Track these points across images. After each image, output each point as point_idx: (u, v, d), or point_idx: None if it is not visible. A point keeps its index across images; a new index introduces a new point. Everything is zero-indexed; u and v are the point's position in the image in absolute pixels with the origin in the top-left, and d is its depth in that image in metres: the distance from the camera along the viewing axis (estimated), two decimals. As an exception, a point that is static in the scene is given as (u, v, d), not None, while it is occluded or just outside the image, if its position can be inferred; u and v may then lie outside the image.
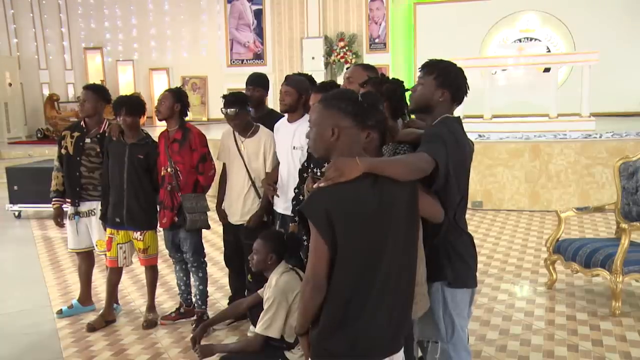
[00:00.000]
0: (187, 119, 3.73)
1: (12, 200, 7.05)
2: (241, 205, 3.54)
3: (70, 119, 10.57)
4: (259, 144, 3.50)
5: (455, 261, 2.17)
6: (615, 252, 3.73)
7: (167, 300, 4.27)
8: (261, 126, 3.58)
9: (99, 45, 12.99)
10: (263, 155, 3.50)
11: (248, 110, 3.53)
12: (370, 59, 11.14)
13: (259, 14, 11.87)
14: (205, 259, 3.78)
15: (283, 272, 2.75)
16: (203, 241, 3.78)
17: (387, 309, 1.74)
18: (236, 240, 3.63)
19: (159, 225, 3.72)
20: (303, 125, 3.30)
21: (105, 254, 3.83)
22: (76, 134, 3.79)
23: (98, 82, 12.51)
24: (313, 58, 11.06)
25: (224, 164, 3.69)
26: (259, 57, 12.00)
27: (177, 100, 3.52)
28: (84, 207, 3.83)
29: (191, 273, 3.75)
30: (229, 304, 3.86)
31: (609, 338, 3.40)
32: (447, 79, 2.17)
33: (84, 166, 3.75)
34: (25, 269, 5.22)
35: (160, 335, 3.66)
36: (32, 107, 12.81)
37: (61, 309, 4.03)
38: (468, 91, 2.23)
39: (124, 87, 12.66)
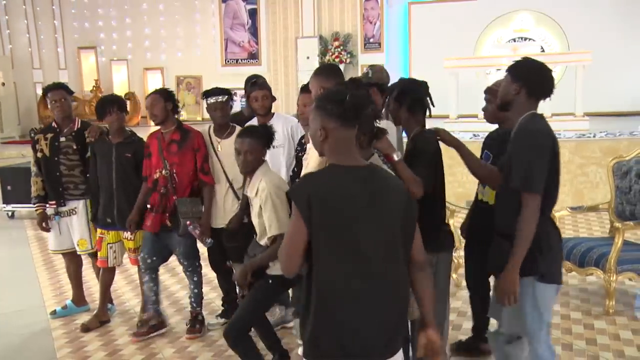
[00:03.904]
0: (182, 118, 3.71)
1: (6, 201, 7.01)
2: (221, 208, 3.50)
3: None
4: None
5: (546, 255, 2.19)
6: (609, 251, 3.75)
7: (162, 300, 4.25)
8: (237, 127, 3.53)
9: (92, 45, 12.91)
10: None
11: (231, 105, 3.51)
12: (365, 58, 11.17)
13: (253, 14, 11.85)
14: (200, 262, 3.68)
15: (266, 171, 2.77)
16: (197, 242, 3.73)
17: (379, 311, 1.72)
18: (219, 244, 3.52)
19: (143, 227, 3.53)
20: (273, 124, 3.36)
21: (89, 254, 3.84)
22: (49, 135, 3.72)
23: (92, 81, 12.50)
24: (308, 58, 11.06)
25: None
26: (253, 56, 11.98)
27: (167, 100, 3.43)
28: (66, 207, 3.78)
29: (186, 277, 3.70)
30: (222, 304, 3.85)
31: (603, 337, 3.41)
32: (521, 74, 2.23)
33: (63, 165, 3.69)
34: (18, 269, 5.20)
35: (155, 335, 3.65)
36: (26, 107, 12.72)
37: (55, 310, 4.02)
38: (552, 87, 2.25)
39: (118, 86, 12.59)
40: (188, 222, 3.38)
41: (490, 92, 3.01)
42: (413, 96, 2.58)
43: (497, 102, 2.37)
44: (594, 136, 6.90)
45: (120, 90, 12.48)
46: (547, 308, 2.23)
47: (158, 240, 3.52)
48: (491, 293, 2.80)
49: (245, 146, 2.70)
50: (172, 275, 4.85)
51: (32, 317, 4.01)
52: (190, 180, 3.47)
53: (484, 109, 3.07)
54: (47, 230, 3.86)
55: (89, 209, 3.79)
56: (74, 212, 3.78)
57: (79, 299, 4.06)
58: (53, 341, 3.61)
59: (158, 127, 3.49)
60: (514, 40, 10.58)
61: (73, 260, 3.97)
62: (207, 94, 3.45)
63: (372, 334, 1.72)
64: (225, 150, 3.46)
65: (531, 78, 2.23)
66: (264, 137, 2.77)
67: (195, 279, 3.62)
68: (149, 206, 3.48)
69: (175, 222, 3.42)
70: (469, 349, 3.22)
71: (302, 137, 3.26)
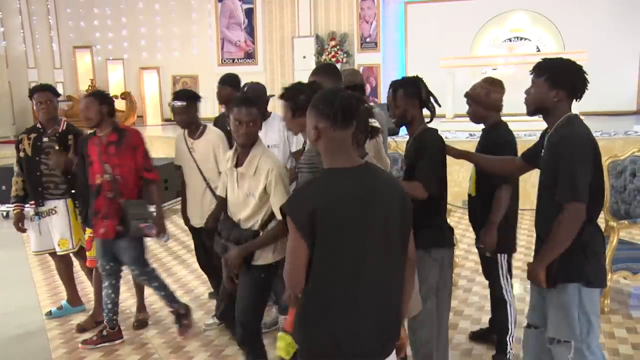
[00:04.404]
0: None
1: (1, 201, 6.97)
2: (199, 208, 3.48)
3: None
4: (208, 145, 3.45)
5: (591, 260, 2.18)
6: (604, 250, 3.76)
7: (158, 301, 4.24)
8: (209, 126, 3.53)
9: (88, 44, 12.88)
10: (214, 155, 3.43)
11: (196, 107, 3.47)
12: (362, 58, 11.19)
13: (250, 13, 11.85)
14: (152, 265, 3.53)
15: (265, 149, 2.66)
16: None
17: (377, 311, 1.72)
18: (202, 243, 3.52)
19: (95, 235, 3.43)
20: (269, 123, 3.41)
21: (75, 255, 3.83)
22: (33, 135, 3.71)
23: (87, 81, 12.46)
24: (304, 57, 11.07)
25: (181, 167, 3.62)
26: (250, 56, 11.98)
27: (102, 103, 3.31)
28: (45, 206, 3.75)
29: (145, 285, 3.58)
30: (220, 305, 3.82)
31: (598, 335, 3.43)
32: (559, 78, 2.17)
33: (44, 164, 3.66)
34: (14, 269, 5.17)
35: (151, 335, 3.64)
36: (21, 106, 12.67)
37: (50, 311, 4.00)
38: (588, 84, 2.19)
39: (114, 86, 12.55)
40: (142, 225, 3.29)
41: (468, 96, 3.07)
42: (430, 96, 2.58)
43: (529, 108, 2.28)
44: (590, 135, 6.91)
45: (116, 89, 12.45)
46: (594, 312, 2.21)
47: (107, 245, 3.41)
48: (527, 307, 2.82)
49: (247, 116, 2.53)
50: (169, 275, 4.84)
51: (28, 318, 3.99)
52: (135, 180, 3.36)
53: (467, 112, 3.12)
54: (23, 230, 3.84)
55: (70, 208, 3.76)
56: (53, 212, 3.75)
57: (74, 299, 4.05)
58: (48, 342, 3.60)
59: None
60: (510, 40, 10.61)
61: (62, 260, 3.94)
62: (173, 96, 3.45)
63: (370, 334, 1.71)
64: (199, 150, 3.45)
65: (572, 81, 2.17)
66: (258, 106, 2.69)
67: (155, 284, 3.47)
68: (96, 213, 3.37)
69: (125, 225, 3.30)
70: (483, 338, 3.38)
71: None
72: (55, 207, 3.74)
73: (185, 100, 3.40)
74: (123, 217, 3.30)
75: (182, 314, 3.54)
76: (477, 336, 3.42)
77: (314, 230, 1.64)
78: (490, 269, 3.14)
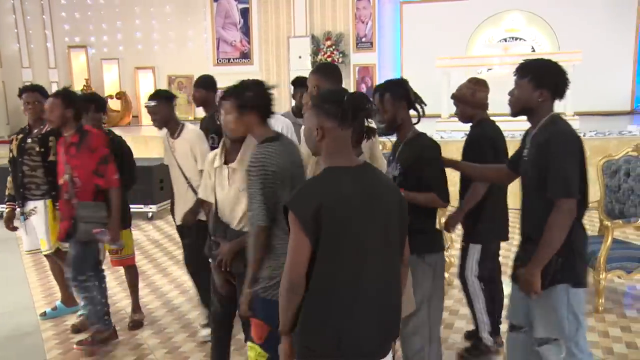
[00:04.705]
0: None
1: (-5, 201, 6.92)
2: (182, 206, 3.46)
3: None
4: (186, 144, 3.43)
5: (577, 261, 2.20)
6: (598, 249, 3.79)
7: (154, 301, 4.24)
8: (186, 124, 3.50)
9: (83, 44, 12.82)
10: (192, 154, 3.40)
11: (171, 106, 3.43)
12: (357, 58, 11.19)
13: (245, 13, 11.83)
14: (92, 277, 3.34)
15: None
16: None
17: (378, 311, 1.72)
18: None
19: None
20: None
21: (53, 255, 3.79)
22: (20, 136, 3.73)
23: (82, 81, 12.40)
24: (300, 57, 11.06)
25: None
26: (245, 56, 11.96)
27: (67, 107, 3.22)
28: (26, 207, 3.75)
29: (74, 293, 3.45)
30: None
31: (592, 334, 3.43)
32: (543, 79, 2.18)
33: (26, 165, 3.66)
34: (8, 270, 5.15)
35: (146, 336, 3.64)
36: (15, 106, 12.58)
37: (45, 311, 3.99)
38: (569, 83, 2.22)
39: (109, 86, 12.51)
40: (95, 230, 3.24)
41: (455, 98, 3.15)
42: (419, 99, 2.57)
43: (513, 109, 2.29)
44: (584, 135, 6.94)
45: (111, 89, 12.41)
46: (581, 310, 2.23)
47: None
48: (506, 301, 2.83)
49: (228, 107, 2.41)
50: (164, 276, 4.83)
51: (22, 318, 3.97)
52: (93, 184, 3.28)
53: (455, 113, 3.17)
54: (13, 229, 3.85)
55: (49, 209, 3.73)
56: (33, 212, 3.74)
57: (68, 299, 4.03)
58: (43, 342, 3.59)
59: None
60: (505, 40, 10.64)
61: (56, 261, 3.93)
62: (149, 97, 3.44)
63: (370, 334, 1.72)
64: (179, 149, 3.43)
65: (555, 81, 2.19)
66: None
67: (85, 294, 3.30)
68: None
69: (75, 226, 3.25)
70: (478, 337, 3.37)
71: None
72: (35, 207, 3.73)
73: (156, 99, 3.37)
74: (74, 218, 3.26)
75: (100, 337, 3.37)
76: (472, 335, 3.43)
77: (318, 228, 1.64)
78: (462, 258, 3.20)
